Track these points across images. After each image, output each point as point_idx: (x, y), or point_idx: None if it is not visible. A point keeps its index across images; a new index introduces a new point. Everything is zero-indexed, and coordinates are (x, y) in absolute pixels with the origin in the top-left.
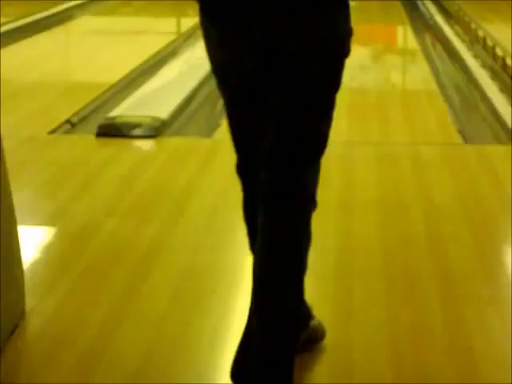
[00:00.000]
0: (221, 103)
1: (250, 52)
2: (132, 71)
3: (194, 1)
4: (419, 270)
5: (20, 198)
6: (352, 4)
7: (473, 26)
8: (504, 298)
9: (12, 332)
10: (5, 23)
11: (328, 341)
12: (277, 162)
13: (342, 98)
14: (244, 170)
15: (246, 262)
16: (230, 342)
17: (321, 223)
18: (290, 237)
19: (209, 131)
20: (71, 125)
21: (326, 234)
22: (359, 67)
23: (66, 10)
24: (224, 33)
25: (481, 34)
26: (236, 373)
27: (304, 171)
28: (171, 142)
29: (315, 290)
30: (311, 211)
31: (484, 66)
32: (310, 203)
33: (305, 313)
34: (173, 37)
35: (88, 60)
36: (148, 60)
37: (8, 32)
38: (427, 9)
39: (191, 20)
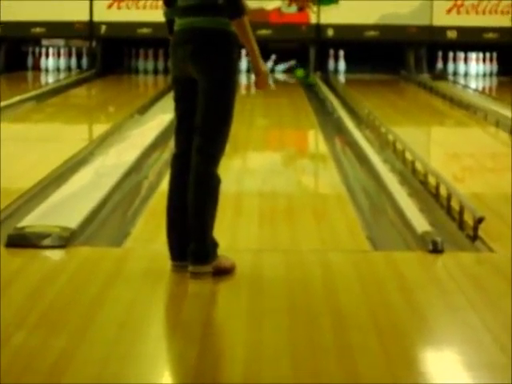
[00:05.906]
0: (131, 211)
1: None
2: (43, 179)
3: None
4: (328, 378)
5: None
6: None
7: (383, 130)
8: None
9: None
10: None
11: None
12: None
13: (253, 204)
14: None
15: (153, 373)
16: None
17: (229, 332)
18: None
19: (119, 240)
20: None
21: (234, 344)
22: (270, 172)
23: None
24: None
25: (391, 137)
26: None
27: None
28: (81, 252)
29: None
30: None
31: (393, 170)
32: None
33: (214, 241)
34: (84, 143)
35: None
36: (59, 167)
37: None
38: (337, 113)
39: (103, 126)
